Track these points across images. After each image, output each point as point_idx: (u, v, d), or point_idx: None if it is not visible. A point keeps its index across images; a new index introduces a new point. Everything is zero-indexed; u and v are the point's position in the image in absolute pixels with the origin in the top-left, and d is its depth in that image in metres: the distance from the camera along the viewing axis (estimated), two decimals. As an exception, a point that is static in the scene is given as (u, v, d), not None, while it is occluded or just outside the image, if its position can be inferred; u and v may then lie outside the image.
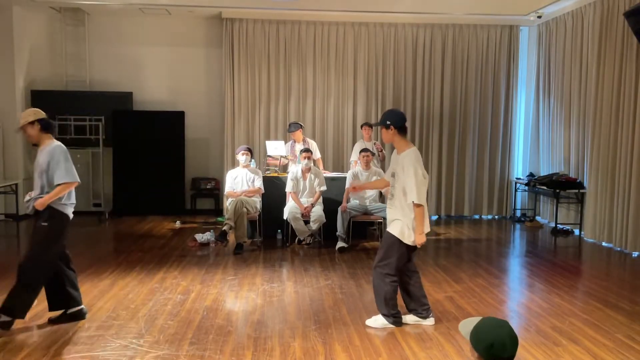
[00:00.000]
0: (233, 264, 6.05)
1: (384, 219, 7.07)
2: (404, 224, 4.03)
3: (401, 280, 4.23)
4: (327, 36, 9.20)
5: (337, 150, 9.34)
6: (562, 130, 8.41)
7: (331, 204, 7.12)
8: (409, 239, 4.03)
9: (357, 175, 7.03)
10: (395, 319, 4.17)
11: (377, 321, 4.20)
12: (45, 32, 9.18)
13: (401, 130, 4.10)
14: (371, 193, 7.07)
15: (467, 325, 2.08)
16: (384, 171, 8.13)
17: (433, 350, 3.74)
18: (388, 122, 4.09)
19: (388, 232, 4.14)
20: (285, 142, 7.96)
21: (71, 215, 4.18)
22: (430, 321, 4.24)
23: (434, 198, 9.48)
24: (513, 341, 1.97)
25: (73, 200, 4.21)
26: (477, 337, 2.00)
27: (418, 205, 3.97)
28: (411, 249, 4.11)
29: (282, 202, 7.16)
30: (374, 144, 8.05)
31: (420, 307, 4.25)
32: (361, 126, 8.16)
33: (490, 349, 1.95)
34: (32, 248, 4.08)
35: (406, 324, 4.21)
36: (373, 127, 8.10)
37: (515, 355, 1.98)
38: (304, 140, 7.83)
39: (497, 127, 9.48)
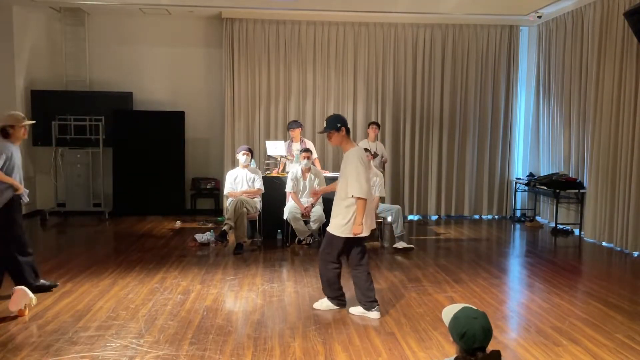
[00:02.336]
0: (233, 264, 6.05)
1: (384, 219, 7.12)
2: (340, 219, 4.34)
3: (351, 273, 4.53)
4: (327, 36, 9.20)
5: (337, 150, 9.33)
6: (562, 130, 8.41)
7: (331, 204, 7.08)
8: (343, 232, 4.34)
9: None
10: (338, 300, 4.55)
11: (323, 304, 4.58)
12: (45, 32, 9.18)
13: (347, 131, 4.46)
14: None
15: (449, 313, 2.23)
16: (384, 172, 8.17)
17: (433, 350, 3.74)
18: (339, 125, 4.39)
19: (328, 228, 4.49)
20: (285, 142, 7.95)
21: None
22: (374, 314, 4.38)
23: (434, 198, 9.48)
24: (485, 333, 2.12)
25: None
26: (453, 325, 2.16)
27: (359, 198, 4.24)
28: (351, 240, 4.39)
29: (282, 202, 7.16)
30: (375, 145, 8.05)
31: (364, 299, 4.42)
32: (369, 124, 8.16)
33: (462, 337, 2.11)
34: None
35: (354, 314, 4.44)
36: (379, 128, 8.18)
37: (486, 346, 2.12)
38: (301, 141, 7.81)
39: (497, 127, 9.48)
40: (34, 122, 5.14)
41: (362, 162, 4.30)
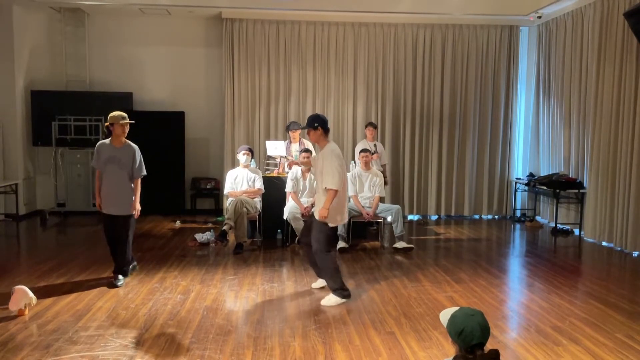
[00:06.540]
0: (233, 264, 6.05)
1: (384, 219, 7.13)
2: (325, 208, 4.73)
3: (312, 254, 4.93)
4: (327, 36, 9.20)
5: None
6: (562, 130, 8.41)
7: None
8: (330, 220, 4.75)
9: (358, 177, 7.02)
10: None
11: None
12: (45, 32, 9.17)
13: (325, 131, 4.84)
14: (369, 195, 7.07)
15: (446, 314, 2.28)
16: (384, 172, 8.16)
17: (433, 350, 3.74)
18: (316, 124, 4.80)
19: (315, 219, 4.83)
20: (284, 142, 7.94)
21: None
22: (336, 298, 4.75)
23: (434, 198, 9.48)
24: (483, 330, 2.15)
25: None
26: (451, 323, 2.20)
27: (330, 190, 4.68)
28: (335, 228, 4.96)
29: (282, 202, 7.16)
30: (375, 145, 8.05)
31: (338, 286, 4.82)
32: (365, 126, 8.17)
33: (461, 334, 2.14)
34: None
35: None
36: (376, 128, 8.20)
37: (485, 343, 2.15)
38: (300, 141, 7.81)
39: (497, 127, 9.48)
40: (133, 122, 5.62)
41: (336, 156, 4.73)
